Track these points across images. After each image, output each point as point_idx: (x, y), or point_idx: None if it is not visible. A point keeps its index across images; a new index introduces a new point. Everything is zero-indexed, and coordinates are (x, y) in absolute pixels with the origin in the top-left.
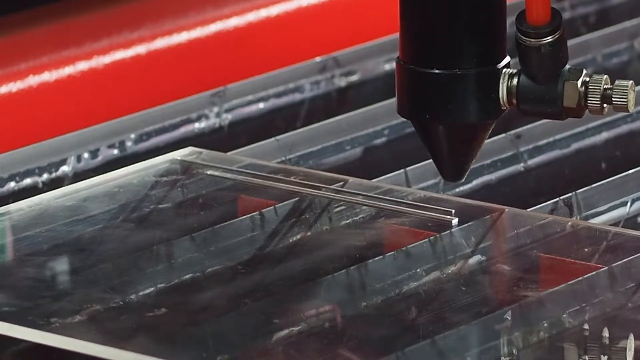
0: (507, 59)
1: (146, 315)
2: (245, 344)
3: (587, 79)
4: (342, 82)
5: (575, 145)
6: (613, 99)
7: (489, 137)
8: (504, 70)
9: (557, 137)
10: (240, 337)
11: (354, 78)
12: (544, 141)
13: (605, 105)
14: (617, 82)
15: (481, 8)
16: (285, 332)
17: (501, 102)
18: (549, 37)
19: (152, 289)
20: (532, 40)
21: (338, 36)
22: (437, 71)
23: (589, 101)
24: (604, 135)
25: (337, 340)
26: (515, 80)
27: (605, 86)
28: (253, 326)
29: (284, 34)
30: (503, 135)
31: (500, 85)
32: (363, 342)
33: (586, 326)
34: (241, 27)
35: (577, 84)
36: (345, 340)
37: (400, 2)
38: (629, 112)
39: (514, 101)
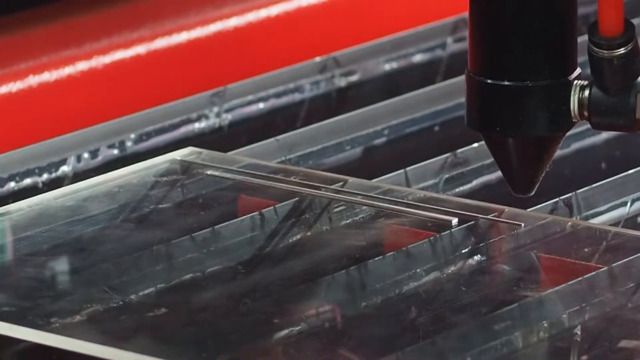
0: (578, 70)
1: (146, 315)
2: (245, 344)
3: None
4: (342, 82)
5: (575, 145)
6: None
7: None
8: (575, 81)
9: None
10: (240, 337)
11: (354, 78)
12: None
13: None
14: None
15: (551, 19)
16: (285, 332)
17: (572, 115)
18: (622, 49)
19: (152, 289)
20: (605, 51)
21: (338, 36)
22: (507, 83)
23: None
24: (604, 135)
25: (337, 340)
26: (586, 92)
27: None
28: (253, 326)
29: (284, 34)
30: None
31: (572, 97)
32: (363, 342)
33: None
34: (241, 27)
35: None
36: (345, 340)
37: (470, 14)
38: None
39: (586, 113)
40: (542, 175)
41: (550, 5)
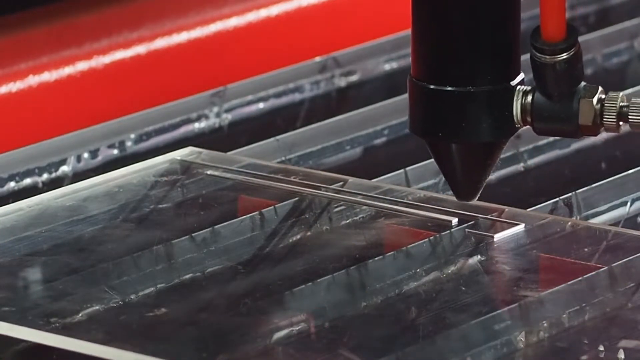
0: (521, 75)
1: (146, 315)
2: (245, 344)
3: (603, 97)
4: (342, 82)
5: (575, 145)
6: (629, 117)
7: None
8: (518, 87)
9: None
10: (240, 337)
11: (354, 78)
12: (544, 141)
13: (621, 123)
14: (633, 99)
15: (494, 25)
16: (285, 332)
17: (515, 120)
18: (564, 54)
19: (152, 289)
20: (547, 57)
21: (338, 36)
22: (450, 89)
23: (604, 119)
24: (604, 135)
25: (337, 340)
26: (529, 98)
27: (622, 104)
28: (253, 326)
29: (284, 34)
30: None
31: (514, 103)
32: (363, 342)
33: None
34: (241, 27)
35: (592, 101)
36: (345, 340)
37: (412, 19)
38: None
39: (529, 119)
40: (486, 180)
41: (492, 11)
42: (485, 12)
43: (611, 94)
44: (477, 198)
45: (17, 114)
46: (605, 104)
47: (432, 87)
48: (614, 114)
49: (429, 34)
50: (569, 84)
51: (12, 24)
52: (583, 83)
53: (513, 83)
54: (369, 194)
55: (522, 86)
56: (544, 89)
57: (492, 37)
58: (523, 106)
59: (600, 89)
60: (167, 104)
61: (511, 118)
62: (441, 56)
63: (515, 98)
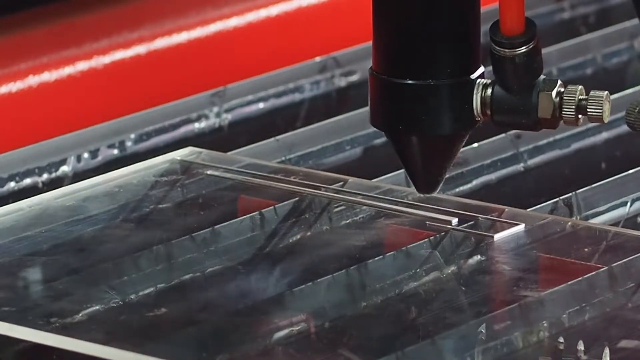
0: (481, 69)
1: (146, 315)
2: (245, 344)
3: (562, 90)
4: (342, 82)
5: (575, 145)
6: (588, 110)
7: (489, 137)
8: (478, 80)
9: (557, 137)
10: (240, 337)
11: (354, 78)
12: (544, 141)
13: (580, 116)
14: (592, 92)
15: (455, 18)
16: (285, 332)
17: (475, 113)
18: (523, 48)
19: (152, 289)
20: (506, 50)
21: (338, 36)
22: (410, 82)
23: (563, 112)
24: (604, 135)
25: (337, 340)
26: (489, 91)
27: (580, 97)
28: (253, 326)
29: (284, 34)
30: (503, 135)
31: (474, 96)
32: (363, 342)
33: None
34: (241, 27)
35: (551, 94)
36: (345, 340)
37: (373, 12)
38: (604, 122)
39: (488, 112)
40: (446, 173)
41: (452, 4)
42: (445, 5)
43: (570, 87)
44: (437, 191)
45: (17, 114)
46: (564, 97)
47: (392, 80)
48: (573, 107)
49: (389, 27)
50: (528, 77)
51: (12, 24)
52: (542, 76)
53: (473, 76)
54: (369, 194)
55: (482, 79)
56: (504, 83)
57: (452, 30)
58: (483, 99)
59: (559, 82)
60: (167, 104)
61: (471, 111)
62: (401, 49)
63: (475, 91)
